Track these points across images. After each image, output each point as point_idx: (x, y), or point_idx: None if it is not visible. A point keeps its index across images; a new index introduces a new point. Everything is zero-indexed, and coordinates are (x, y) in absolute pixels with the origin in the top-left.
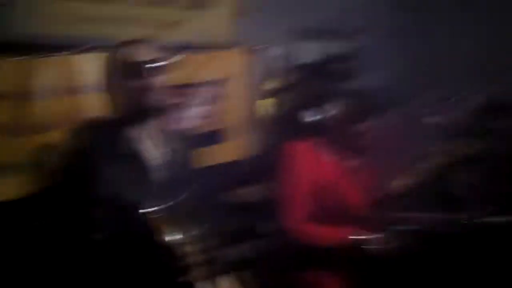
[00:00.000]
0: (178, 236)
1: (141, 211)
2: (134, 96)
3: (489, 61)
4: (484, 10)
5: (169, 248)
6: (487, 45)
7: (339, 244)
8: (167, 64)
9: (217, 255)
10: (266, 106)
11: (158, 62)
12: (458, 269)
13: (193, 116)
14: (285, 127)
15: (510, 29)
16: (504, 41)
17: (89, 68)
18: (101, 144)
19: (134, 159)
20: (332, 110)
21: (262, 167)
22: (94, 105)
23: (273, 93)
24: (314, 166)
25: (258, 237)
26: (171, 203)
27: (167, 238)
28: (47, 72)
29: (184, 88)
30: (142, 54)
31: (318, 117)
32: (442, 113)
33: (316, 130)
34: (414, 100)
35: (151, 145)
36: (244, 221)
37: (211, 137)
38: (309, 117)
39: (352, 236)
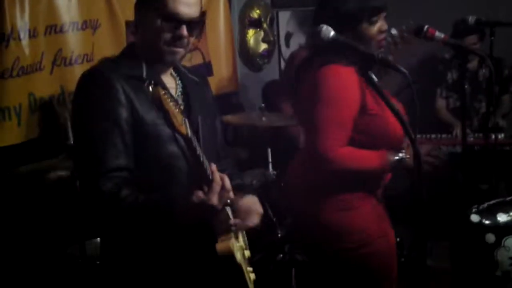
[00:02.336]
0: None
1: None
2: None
3: None
4: None
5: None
6: None
7: (378, 167)
8: None
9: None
10: (252, 36)
11: None
12: None
13: None
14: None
15: None
16: None
17: (68, 5)
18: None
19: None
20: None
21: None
22: (78, 43)
23: (257, 23)
24: (357, 90)
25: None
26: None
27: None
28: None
29: None
30: None
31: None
32: None
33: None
34: None
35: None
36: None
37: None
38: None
39: (392, 157)
